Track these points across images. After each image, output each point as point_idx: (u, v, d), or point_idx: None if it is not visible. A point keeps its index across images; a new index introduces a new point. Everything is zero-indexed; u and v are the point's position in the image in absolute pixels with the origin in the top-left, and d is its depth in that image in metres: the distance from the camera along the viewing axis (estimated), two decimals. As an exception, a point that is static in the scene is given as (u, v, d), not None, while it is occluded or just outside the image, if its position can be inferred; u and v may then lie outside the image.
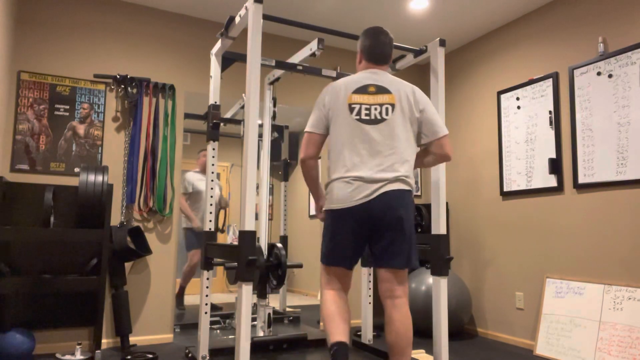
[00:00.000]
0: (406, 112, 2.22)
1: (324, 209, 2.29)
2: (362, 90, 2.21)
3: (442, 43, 2.76)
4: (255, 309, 3.47)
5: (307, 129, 2.28)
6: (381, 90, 2.22)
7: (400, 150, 2.18)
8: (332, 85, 2.28)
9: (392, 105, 2.20)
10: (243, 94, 3.89)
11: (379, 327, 3.90)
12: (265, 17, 2.47)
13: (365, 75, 2.26)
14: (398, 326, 2.12)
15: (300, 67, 3.16)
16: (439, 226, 2.64)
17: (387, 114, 2.19)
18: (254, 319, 3.48)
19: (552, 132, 3.42)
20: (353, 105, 2.19)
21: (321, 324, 2.27)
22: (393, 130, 2.18)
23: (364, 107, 2.19)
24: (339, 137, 2.21)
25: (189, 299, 4.25)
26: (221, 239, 4.52)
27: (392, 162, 2.16)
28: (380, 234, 2.16)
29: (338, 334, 2.07)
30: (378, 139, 2.17)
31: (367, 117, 2.18)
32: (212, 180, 2.86)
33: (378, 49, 2.29)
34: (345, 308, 2.18)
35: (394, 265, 2.16)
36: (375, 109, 2.19)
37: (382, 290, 2.21)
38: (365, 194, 2.13)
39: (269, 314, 3.29)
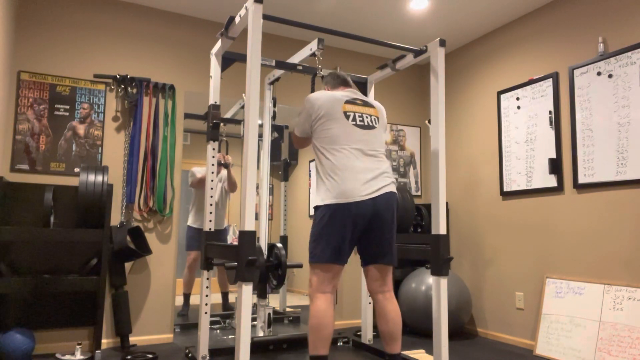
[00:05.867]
0: (383, 125, 2.54)
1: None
2: (352, 102, 2.45)
3: (442, 43, 2.76)
4: (255, 309, 3.47)
5: (297, 133, 2.53)
6: (366, 103, 2.50)
7: (384, 157, 2.46)
8: (318, 95, 2.44)
9: (377, 118, 2.50)
10: (243, 94, 3.89)
11: (379, 327, 3.90)
12: (265, 17, 2.46)
13: (345, 93, 2.48)
14: (393, 315, 2.36)
15: (300, 67, 3.17)
16: (439, 226, 2.64)
17: (375, 123, 2.47)
18: (254, 319, 3.48)
19: (552, 132, 3.42)
20: (348, 113, 2.40)
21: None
22: (379, 139, 2.45)
23: (357, 114, 2.42)
24: (336, 138, 2.35)
25: (190, 299, 4.25)
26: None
27: (386, 166, 2.41)
28: (376, 230, 2.33)
29: (323, 347, 2.23)
30: (372, 141, 2.41)
31: (362, 123, 2.42)
32: (212, 181, 2.86)
33: (340, 77, 2.60)
34: (333, 317, 2.27)
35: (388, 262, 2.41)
36: (367, 117, 2.45)
37: (375, 287, 2.41)
38: (372, 190, 2.29)
39: (269, 314, 3.29)
